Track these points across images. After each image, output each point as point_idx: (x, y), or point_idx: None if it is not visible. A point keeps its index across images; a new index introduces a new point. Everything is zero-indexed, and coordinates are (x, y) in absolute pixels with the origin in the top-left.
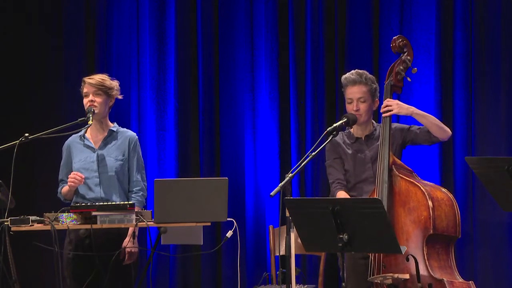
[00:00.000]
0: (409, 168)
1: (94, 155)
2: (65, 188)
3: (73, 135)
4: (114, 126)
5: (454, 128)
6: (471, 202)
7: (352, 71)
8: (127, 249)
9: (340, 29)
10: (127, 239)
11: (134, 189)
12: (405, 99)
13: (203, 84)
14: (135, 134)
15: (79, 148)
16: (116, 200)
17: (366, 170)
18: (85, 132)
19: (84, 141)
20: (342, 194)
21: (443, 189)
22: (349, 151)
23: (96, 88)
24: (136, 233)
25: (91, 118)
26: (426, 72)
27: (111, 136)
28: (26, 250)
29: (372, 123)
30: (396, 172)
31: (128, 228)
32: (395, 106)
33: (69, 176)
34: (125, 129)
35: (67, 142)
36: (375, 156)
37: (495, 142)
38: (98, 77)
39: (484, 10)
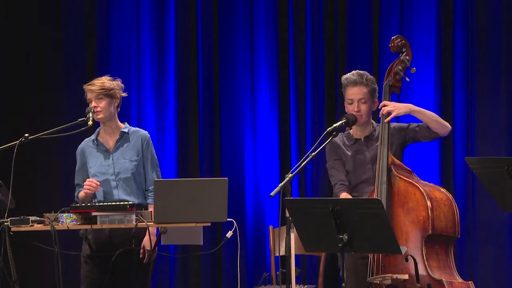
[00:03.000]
0: (408, 168)
1: (110, 159)
2: (81, 193)
3: (86, 140)
4: (125, 127)
5: (454, 128)
6: (471, 202)
7: (353, 71)
8: (146, 248)
9: (340, 29)
10: (146, 237)
11: (150, 188)
12: (405, 100)
13: (203, 84)
14: (147, 132)
15: (93, 153)
16: (135, 201)
17: (366, 171)
18: (97, 135)
19: (97, 146)
20: (345, 196)
21: (442, 189)
22: (349, 153)
23: (97, 93)
24: (155, 231)
25: (91, 118)
26: (426, 72)
27: (123, 138)
28: (26, 250)
29: (372, 123)
30: (395, 172)
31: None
32: (392, 108)
33: (85, 183)
34: (136, 128)
35: (80, 146)
36: (374, 157)
37: (495, 142)
38: (97, 82)
39: (484, 10)
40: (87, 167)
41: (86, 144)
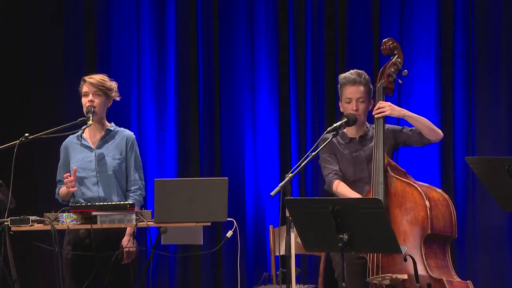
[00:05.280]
0: (402, 169)
1: (92, 154)
2: (63, 189)
3: (70, 136)
4: (111, 126)
5: (454, 128)
6: (471, 202)
7: (351, 70)
8: (125, 249)
9: (340, 29)
10: (125, 238)
11: (132, 188)
12: (405, 99)
13: (203, 84)
14: (132, 133)
15: (76, 148)
16: (114, 199)
17: (362, 170)
18: (83, 132)
19: (81, 141)
20: (339, 183)
21: (438, 190)
22: (344, 151)
23: (97, 88)
24: (135, 232)
25: (91, 118)
26: (426, 72)
27: (108, 135)
28: (26, 250)
29: (366, 123)
30: (391, 173)
31: (126, 227)
32: (387, 108)
33: (65, 181)
34: (122, 128)
35: (64, 143)
36: (369, 156)
37: (495, 142)
38: (98, 77)
39: (484, 10)
40: (70, 163)
41: (70, 140)
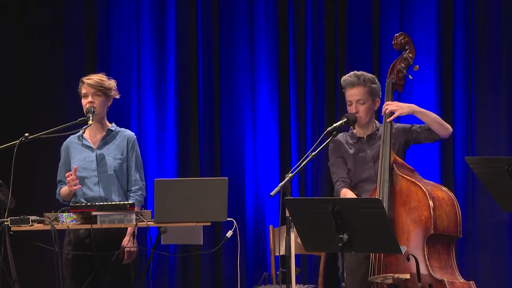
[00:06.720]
0: (410, 167)
1: (93, 154)
2: (64, 189)
3: (71, 136)
4: (112, 126)
5: (454, 128)
6: (471, 202)
7: (351, 72)
8: (126, 248)
9: (340, 29)
10: (126, 238)
11: (132, 188)
12: (405, 99)
13: (203, 84)
14: (133, 133)
15: (77, 148)
16: (115, 199)
17: (368, 170)
18: (83, 132)
19: (82, 141)
20: (345, 192)
21: (444, 188)
22: (351, 151)
23: (96, 89)
24: (135, 232)
25: (91, 118)
26: (426, 72)
27: (109, 136)
28: (26, 250)
29: (375, 123)
30: (397, 171)
31: (127, 227)
32: (395, 108)
33: (67, 180)
34: (123, 128)
35: (65, 143)
36: (376, 155)
37: (495, 142)
38: (96, 78)
39: (484, 10)
40: (70, 163)
41: (71, 140)
